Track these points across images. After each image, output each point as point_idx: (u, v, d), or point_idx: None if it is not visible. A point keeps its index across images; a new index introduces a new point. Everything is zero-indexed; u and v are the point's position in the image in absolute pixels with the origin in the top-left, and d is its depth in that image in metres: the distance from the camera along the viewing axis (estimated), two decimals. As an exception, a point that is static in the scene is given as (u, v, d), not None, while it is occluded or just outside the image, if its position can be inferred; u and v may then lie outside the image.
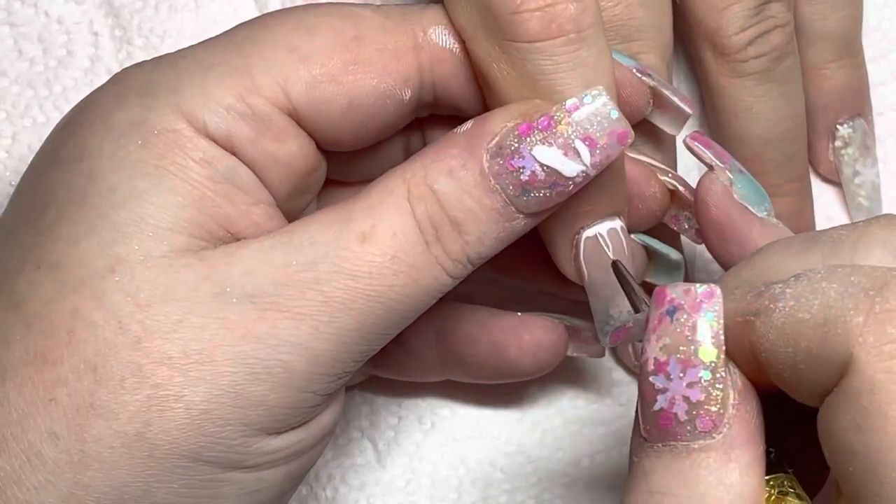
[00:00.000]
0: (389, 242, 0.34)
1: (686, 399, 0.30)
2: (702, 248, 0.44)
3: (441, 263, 0.34)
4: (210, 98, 0.35)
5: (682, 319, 0.30)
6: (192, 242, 0.34)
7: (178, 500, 0.33)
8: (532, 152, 0.34)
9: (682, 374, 0.30)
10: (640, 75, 0.41)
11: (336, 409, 0.37)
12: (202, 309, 0.33)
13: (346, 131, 0.37)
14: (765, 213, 0.38)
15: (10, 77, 0.47)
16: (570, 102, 0.34)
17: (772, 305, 0.29)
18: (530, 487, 0.45)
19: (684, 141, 0.40)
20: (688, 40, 0.46)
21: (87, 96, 0.37)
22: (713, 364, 0.30)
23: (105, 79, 0.36)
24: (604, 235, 0.37)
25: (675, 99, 0.41)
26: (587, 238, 0.37)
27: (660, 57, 0.43)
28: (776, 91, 0.44)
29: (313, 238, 0.34)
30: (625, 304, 0.38)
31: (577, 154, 0.34)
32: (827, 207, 0.48)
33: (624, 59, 0.41)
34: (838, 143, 0.47)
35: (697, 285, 0.30)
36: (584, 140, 0.34)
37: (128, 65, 0.38)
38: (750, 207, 0.38)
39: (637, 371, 0.46)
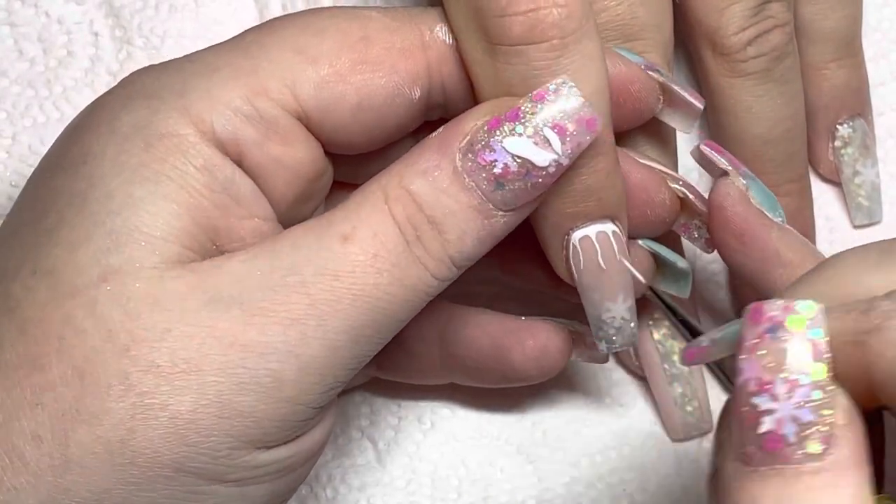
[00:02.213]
0: (370, 242, 0.34)
1: (795, 420, 0.28)
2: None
3: (424, 263, 0.34)
4: (217, 100, 0.35)
5: (786, 337, 0.29)
6: (182, 253, 0.34)
7: None
8: (503, 145, 0.34)
9: (789, 395, 0.29)
10: (648, 72, 0.40)
11: (327, 426, 0.37)
12: (191, 318, 0.33)
13: (355, 133, 0.37)
14: (779, 220, 0.38)
15: (10, 77, 0.48)
16: (535, 92, 0.34)
17: (885, 324, 0.29)
18: (530, 487, 0.45)
19: (699, 148, 0.40)
20: (688, 40, 0.46)
21: (96, 100, 0.37)
22: (822, 383, 0.29)
23: (105, 79, 0.36)
24: (592, 238, 0.37)
25: (685, 94, 0.40)
26: (577, 239, 0.37)
27: (661, 56, 0.43)
28: (776, 91, 0.44)
29: (296, 243, 0.34)
30: (617, 310, 0.38)
31: (548, 142, 0.34)
32: (827, 207, 0.48)
33: (632, 55, 0.40)
34: (838, 143, 0.47)
35: (797, 301, 0.29)
36: (553, 128, 0.34)
37: (128, 65, 0.38)
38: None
39: (640, 373, 0.46)
